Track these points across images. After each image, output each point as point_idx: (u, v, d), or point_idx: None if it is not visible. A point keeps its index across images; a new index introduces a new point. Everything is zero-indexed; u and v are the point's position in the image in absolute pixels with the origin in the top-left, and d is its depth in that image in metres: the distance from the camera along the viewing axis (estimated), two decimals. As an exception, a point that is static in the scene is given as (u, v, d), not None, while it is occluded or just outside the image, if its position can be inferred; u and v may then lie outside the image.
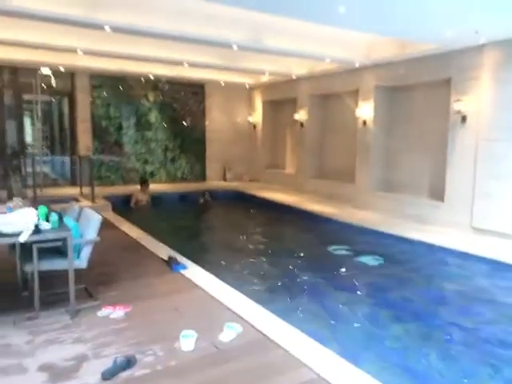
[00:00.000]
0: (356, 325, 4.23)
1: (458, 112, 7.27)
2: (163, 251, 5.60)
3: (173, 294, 4.25)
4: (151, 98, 12.31)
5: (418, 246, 6.73)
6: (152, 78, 11.80)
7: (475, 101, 7.06)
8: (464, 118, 7.23)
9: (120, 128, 11.95)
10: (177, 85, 12.51)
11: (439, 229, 7.41)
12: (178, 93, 12.72)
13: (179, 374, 2.84)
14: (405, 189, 8.95)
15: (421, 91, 8.63)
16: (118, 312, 3.73)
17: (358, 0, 4.92)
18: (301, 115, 11.45)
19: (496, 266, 5.73)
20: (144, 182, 10.63)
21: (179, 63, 9.73)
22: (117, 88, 11.75)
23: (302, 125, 11.50)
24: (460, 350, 3.75)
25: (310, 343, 3.27)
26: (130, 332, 3.42)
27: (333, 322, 4.26)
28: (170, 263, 5.02)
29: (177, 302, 4.03)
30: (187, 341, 3.16)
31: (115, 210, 8.75)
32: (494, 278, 5.62)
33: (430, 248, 6.58)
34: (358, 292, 5.23)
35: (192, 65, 9.92)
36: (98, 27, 6.50)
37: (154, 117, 12.44)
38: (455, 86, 7.39)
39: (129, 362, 2.89)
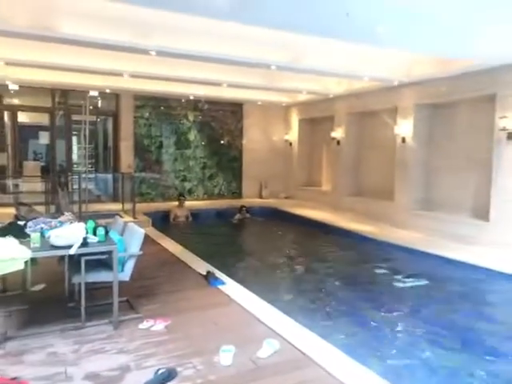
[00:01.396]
0: (394, 343, 4.12)
1: (504, 129, 7.04)
2: (201, 266, 5.69)
3: (211, 309, 4.30)
4: (191, 117, 12.70)
5: (460, 267, 6.47)
6: (192, 98, 12.19)
7: (521, 117, 6.83)
8: (510, 135, 6.98)
9: (160, 146, 12.36)
10: (216, 104, 12.85)
11: (483, 249, 7.08)
12: (217, 112, 13.06)
13: (218, 389, 2.86)
14: (446, 208, 8.66)
15: (463, 108, 8.42)
16: (158, 325, 3.82)
17: (397, 19, 4.93)
18: (337, 133, 11.43)
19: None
20: (180, 197, 10.89)
21: (218, 84, 10.01)
22: (158, 108, 12.21)
23: (338, 142, 11.46)
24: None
25: (348, 362, 3.21)
26: (170, 344, 3.49)
27: (374, 342, 4.16)
28: (208, 278, 5.09)
29: (215, 317, 4.07)
30: (226, 355, 3.19)
31: (155, 225, 8.99)
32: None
33: (474, 269, 6.32)
34: (399, 311, 5.07)
35: (231, 85, 10.18)
36: (145, 52, 6.85)
37: (193, 135, 12.79)
38: (500, 102, 7.17)
39: (170, 375, 2.94)
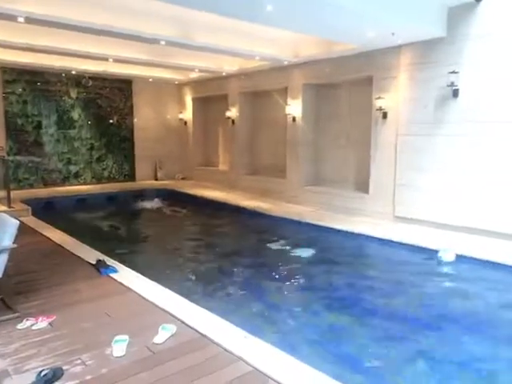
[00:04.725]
0: (290, 312, 4.34)
1: (380, 109, 7.72)
2: (91, 255, 5.31)
3: (103, 299, 4.05)
4: (73, 94, 11.62)
5: (345, 236, 7.07)
6: (74, 73, 11.15)
7: (394, 98, 7.54)
8: (385, 115, 7.69)
9: (39, 126, 11.14)
10: (102, 80, 11.93)
11: (365, 219, 7.83)
12: (104, 89, 12.15)
13: (110, 382, 2.70)
14: (333, 183, 9.33)
15: (346, 89, 9.03)
16: (41, 322, 3.47)
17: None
18: (232, 112, 11.47)
19: (408, 249, 6.32)
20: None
21: (104, 58, 9.28)
22: (34, 83, 10.93)
23: (233, 122, 11.52)
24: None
25: (244, 337, 3.28)
26: (55, 342, 3.19)
27: (269, 314, 4.33)
28: (99, 267, 4.78)
29: (107, 307, 3.84)
30: (118, 346, 3.03)
31: (36, 214, 8.14)
32: (399, 257, 6.26)
33: (357, 237, 6.97)
34: (292, 282, 5.34)
35: (118, 60, 9.52)
36: (11, 18, 5.99)
37: (77, 114, 11.75)
38: (377, 83, 7.83)
39: (54, 375, 2.70)
